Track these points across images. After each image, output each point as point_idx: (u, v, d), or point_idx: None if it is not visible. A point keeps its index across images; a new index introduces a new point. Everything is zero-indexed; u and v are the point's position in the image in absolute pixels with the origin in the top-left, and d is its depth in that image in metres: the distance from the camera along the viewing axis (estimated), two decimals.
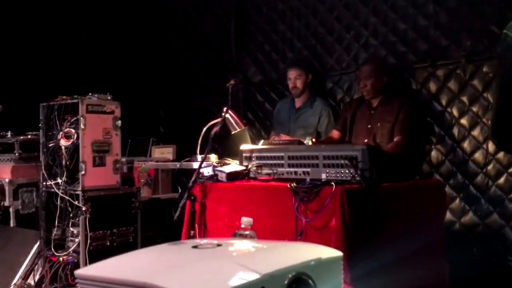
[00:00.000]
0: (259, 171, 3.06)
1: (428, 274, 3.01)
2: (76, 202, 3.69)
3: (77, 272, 1.53)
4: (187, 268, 1.26)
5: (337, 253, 1.34)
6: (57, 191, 3.74)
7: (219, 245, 1.29)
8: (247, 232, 1.64)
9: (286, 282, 1.25)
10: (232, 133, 3.61)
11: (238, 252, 1.34)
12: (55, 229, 3.80)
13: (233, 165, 3.17)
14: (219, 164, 3.18)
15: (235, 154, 3.38)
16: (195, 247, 1.29)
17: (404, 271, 2.77)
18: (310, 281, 1.32)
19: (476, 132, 3.78)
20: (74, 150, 3.72)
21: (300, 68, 4.39)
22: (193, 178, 2.98)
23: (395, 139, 3.73)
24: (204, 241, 1.40)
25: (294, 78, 4.39)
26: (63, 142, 3.72)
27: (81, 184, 3.69)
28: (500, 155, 3.65)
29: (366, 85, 3.86)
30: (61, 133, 3.72)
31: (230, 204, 2.97)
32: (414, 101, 3.93)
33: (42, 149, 3.92)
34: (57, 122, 3.78)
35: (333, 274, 1.38)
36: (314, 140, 3.53)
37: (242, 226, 1.68)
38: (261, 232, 2.48)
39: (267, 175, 3.01)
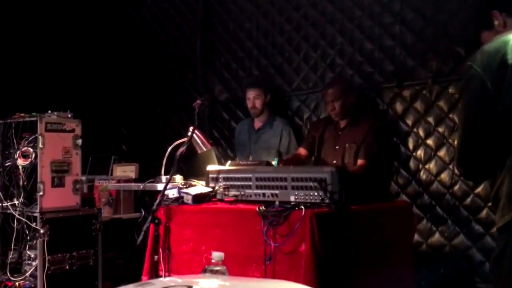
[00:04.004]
0: (226, 192, 2.98)
1: None
2: (33, 225, 3.54)
3: None
4: None
5: None
6: (13, 212, 3.57)
7: (189, 287, 1.20)
8: (218, 268, 1.55)
9: None
10: (199, 153, 3.53)
11: None
12: (11, 252, 3.63)
13: (199, 187, 3.08)
14: (185, 186, 3.08)
15: (201, 174, 3.29)
16: None
17: None
18: None
19: (442, 153, 3.80)
20: (32, 170, 3.57)
21: (259, 88, 4.36)
22: (157, 201, 2.87)
23: (358, 163, 3.73)
24: (172, 280, 1.30)
25: (253, 98, 4.36)
26: (21, 162, 3.57)
27: (39, 206, 3.54)
28: None
29: (335, 107, 3.84)
30: (18, 152, 3.58)
31: (196, 227, 2.88)
32: (381, 121, 3.93)
33: None
34: (15, 140, 3.63)
35: None
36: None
37: (213, 261, 1.58)
38: (229, 257, 2.39)
39: (234, 197, 2.94)
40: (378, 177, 3.84)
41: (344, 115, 3.87)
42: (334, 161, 3.76)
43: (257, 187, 2.89)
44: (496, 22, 2.02)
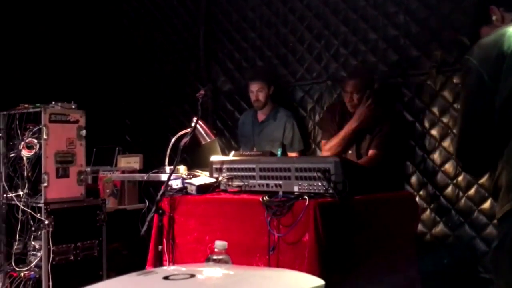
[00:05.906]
0: (230, 183, 2.99)
1: (401, 286, 2.97)
2: (38, 215, 3.56)
3: None
4: None
5: (319, 282, 1.26)
6: (18, 203, 3.60)
7: (192, 275, 1.20)
8: (221, 257, 1.56)
9: None
10: (202, 144, 3.53)
11: (212, 286, 1.25)
12: (16, 243, 3.66)
13: (203, 177, 3.09)
14: (189, 176, 3.09)
15: (204, 165, 3.29)
16: (166, 278, 1.20)
17: (378, 284, 2.74)
18: None
19: (446, 143, 3.78)
20: (36, 160, 3.59)
21: (262, 81, 4.33)
22: (161, 191, 2.88)
23: (369, 153, 3.68)
24: (175, 269, 1.31)
25: (257, 91, 4.34)
26: (25, 153, 3.59)
27: (43, 196, 3.56)
28: None
29: (353, 99, 3.75)
30: (22, 143, 3.60)
31: (200, 217, 2.89)
32: (394, 112, 3.90)
33: (2, 160, 3.77)
34: (19, 131, 3.65)
35: None
36: None
37: (216, 250, 1.59)
38: (232, 247, 2.40)
39: (238, 187, 2.94)
40: (384, 168, 3.80)
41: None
42: (350, 152, 3.73)
43: (261, 178, 2.89)
44: (494, 17, 2.04)
